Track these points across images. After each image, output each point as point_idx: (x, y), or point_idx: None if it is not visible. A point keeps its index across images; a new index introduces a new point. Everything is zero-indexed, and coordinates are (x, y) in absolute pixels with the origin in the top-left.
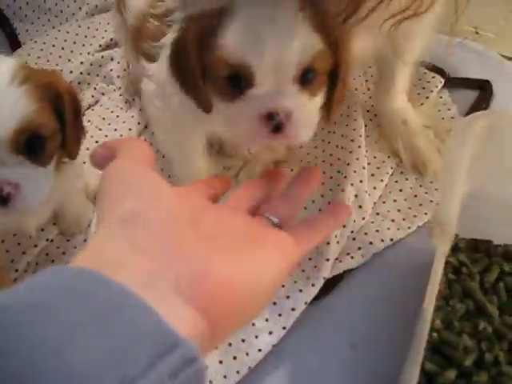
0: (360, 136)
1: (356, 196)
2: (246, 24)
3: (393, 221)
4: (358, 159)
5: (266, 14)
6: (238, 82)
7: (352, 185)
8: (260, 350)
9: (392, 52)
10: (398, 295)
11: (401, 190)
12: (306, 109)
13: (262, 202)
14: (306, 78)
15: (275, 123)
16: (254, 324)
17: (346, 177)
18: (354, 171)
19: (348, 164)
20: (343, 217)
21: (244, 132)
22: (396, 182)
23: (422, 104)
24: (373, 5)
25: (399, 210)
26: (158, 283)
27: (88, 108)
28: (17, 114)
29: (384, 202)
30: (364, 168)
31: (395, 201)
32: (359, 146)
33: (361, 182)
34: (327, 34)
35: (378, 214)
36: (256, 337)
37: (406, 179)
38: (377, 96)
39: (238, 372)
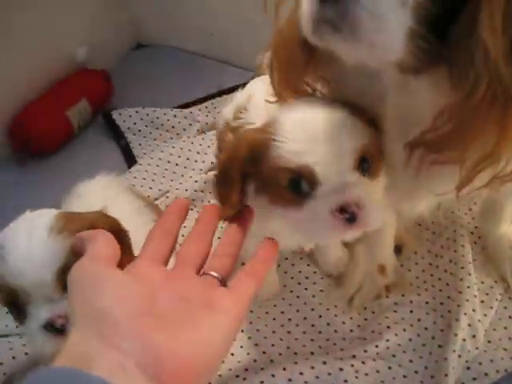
0: (469, 263)
1: (469, 325)
2: (296, 129)
3: (505, 350)
4: (469, 287)
5: (314, 114)
6: (299, 186)
7: (465, 314)
8: None
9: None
10: None
11: (510, 317)
12: (372, 194)
13: (207, 257)
14: (363, 166)
15: (348, 215)
16: None
17: (459, 305)
18: (467, 300)
19: (460, 292)
20: (273, 255)
21: (319, 231)
22: (505, 308)
23: None
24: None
25: (510, 338)
26: (130, 371)
27: None
28: (57, 260)
29: (494, 330)
30: (475, 296)
31: (506, 328)
32: (469, 274)
33: (473, 310)
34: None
35: (489, 341)
36: None
37: None
38: (483, 220)
39: None
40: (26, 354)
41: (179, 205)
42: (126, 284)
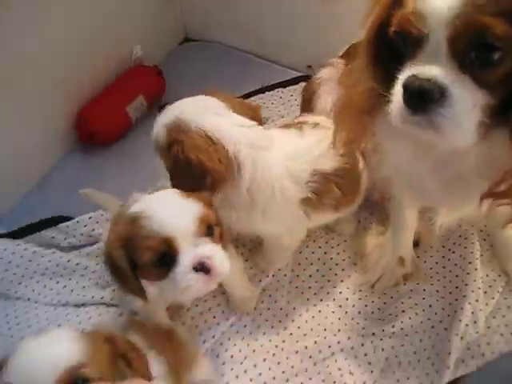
0: (476, 258)
1: (472, 313)
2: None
3: (502, 335)
4: (474, 280)
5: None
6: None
7: (469, 303)
8: None
9: None
10: None
11: (509, 307)
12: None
13: None
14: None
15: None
16: None
17: (464, 296)
18: (472, 291)
19: (466, 284)
20: None
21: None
22: (505, 299)
23: None
24: None
25: (507, 325)
26: None
27: None
28: (193, 214)
29: (494, 317)
30: (479, 288)
31: (504, 316)
32: (476, 268)
33: (476, 301)
34: None
35: (488, 327)
36: None
37: None
38: (492, 221)
39: None
40: None
41: None
42: None
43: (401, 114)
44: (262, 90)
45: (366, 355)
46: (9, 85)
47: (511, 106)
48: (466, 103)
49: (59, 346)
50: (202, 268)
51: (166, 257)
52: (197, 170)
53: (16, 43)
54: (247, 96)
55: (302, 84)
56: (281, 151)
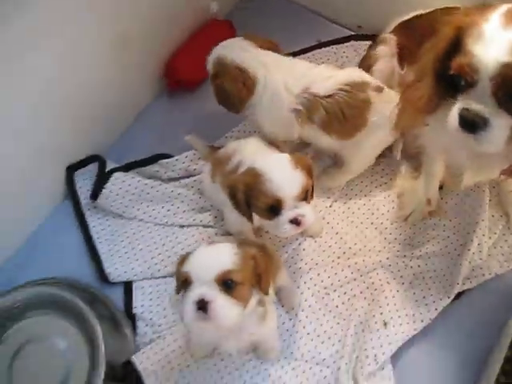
0: (486, 203)
1: (479, 244)
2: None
3: (498, 261)
4: (483, 220)
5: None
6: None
7: (477, 237)
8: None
9: None
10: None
11: (506, 241)
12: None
13: None
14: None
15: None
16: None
17: (474, 230)
18: (479, 228)
19: (476, 222)
20: None
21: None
22: (503, 234)
23: None
24: None
25: (502, 254)
26: None
27: None
28: (300, 182)
29: (494, 248)
30: (486, 226)
31: (501, 247)
32: (485, 211)
33: (483, 235)
34: None
35: (489, 255)
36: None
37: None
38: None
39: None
40: None
41: None
42: None
43: (456, 130)
44: (319, 46)
45: (399, 271)
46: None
47: None
48: (501, 129)
49: (221, 254)
50: (295, 222)
51: (274, 209)
52: (232, 90)
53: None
54: (304, 51)
55: (353, 42)
56: (285, 71)
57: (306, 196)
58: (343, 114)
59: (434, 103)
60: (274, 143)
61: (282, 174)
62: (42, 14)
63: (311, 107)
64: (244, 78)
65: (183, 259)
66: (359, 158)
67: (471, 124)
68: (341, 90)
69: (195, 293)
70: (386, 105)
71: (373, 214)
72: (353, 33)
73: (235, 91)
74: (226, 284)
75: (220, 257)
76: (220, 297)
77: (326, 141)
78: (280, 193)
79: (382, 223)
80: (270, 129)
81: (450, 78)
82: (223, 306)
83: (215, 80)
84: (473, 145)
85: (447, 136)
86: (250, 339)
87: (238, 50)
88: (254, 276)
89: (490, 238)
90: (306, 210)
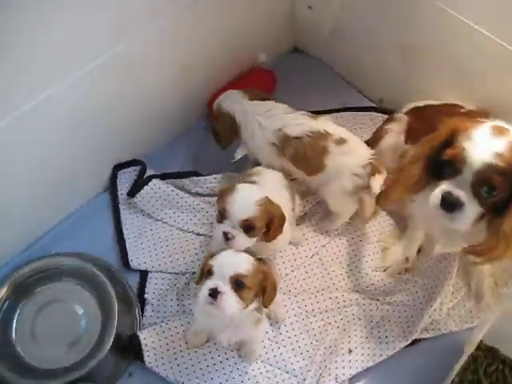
0: (454, 272)
1: (441, 303)
2: (238, 195)
3: (454, 321)
4: (448, 285)
5: None
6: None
7: (440, 297)
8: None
9: None
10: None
11: (464, 306)
12: None
13: None
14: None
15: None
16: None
17: (439, 292)
18: (444, 290)
19: (442, 285)
20: None
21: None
22: (463, 300)
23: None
24: None
25: (459, 316)
26: None
27: None
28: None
29: (454, 309)
30: (449, 290)
31: (459, 310)
32: (451, 277)
33: (445, 297)
34: None
35: (448, 315)
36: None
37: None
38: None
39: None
40: None
41: None
42: None
43: (436, 207)
44: (343, 110)
45: (370, 310)
46: (184, 69)
47: (492, 214)
48: (472, 213)
49: (241, 260)
50: (226, 235)
51: (221, 214)
52: (221, 132)
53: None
54: (330, 111)
55: (373, 113)
56: (263, 114)
57: (251, 231)
58: (306, 154)
59: (421, 184)
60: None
61: (241, 197)
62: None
63: (284, 143)
64: (232, 122)
65: (212, 255)
66: (332, 201)
67: (450, 205)
68: (307, 135)
69: (213, 282)
70: (343, 156)
71: (359, 259)
72: (374, 105)
73: (224, 133)
74: (237, 284)
75: (240, 262)
76: (230, 291)
77: (297, 174)
78: (229, 207)
79: (364, 269)
80: (259, 157)
81: (441, 163)
82: (230, 299)
83: (213, 121)
84: (447, 221)
85: (427, 211)
86: (241, 336)
87: (232, 101)
88: (260, 287)
89: (451, 300)
90: (240, 236)
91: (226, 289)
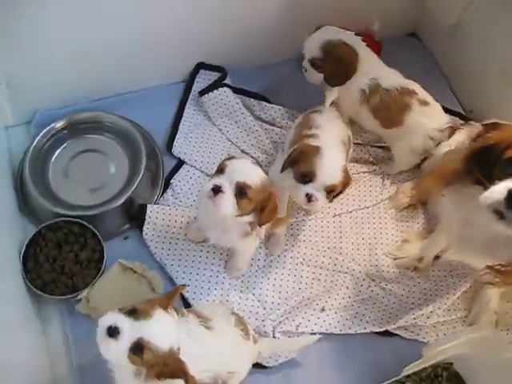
0: (460, 290)
1: (431, 312)
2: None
3: (437, 335)
4: (448, 298)
5: None
6: None
7: (433, 307)
8: None
9: None
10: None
11: (454, 327)
12: None
13: None
14: None
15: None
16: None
17: (435, 301)
18: (440, 302)
19: (441, 297)
20: None
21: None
22: (456, 322)
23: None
24: None
25: (445, 334)
26: None
27: None
28: None
29: (442, 325)
30: (446, 306)
31: (447, 328)
32: (454, 295)
33: (438, 308)
34: None
35: (434, 326)
36: None
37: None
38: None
39: None
40: None
41: None
42: None
43: (498, 202)
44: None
45: (361, 285)
46: None
47: None
48: None
49: (253, 173)
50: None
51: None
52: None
53: None
54: None
55: (456, 119)
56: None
57: (331, 195)
58: (389, 107)
59: (457, 177)
60: None
61: (330, 163)
62: None
63: (372, 92)
64: (349, 51)
65: (231, 157)
66: (398, 156)
67: None
68: (396, 89)
69: (219, 180)
70: (422, 117)
71: (375, 238)
72: (463, 113)
73: (343, 64)
74: (241, 191)
75: (251, 173)
76: (230, 194)
77: (371, 123)
78: (318, 171)
79: (376, 249)
80: (341, 101)
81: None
82: (227, 200)
83: (327, 59)
84: (500, 225)
85: (465, 209)
86: (226, 242)
87: (339, 32)
88: (261, 205)
89: (443, 316)
90: (322, 200)
91: (228, 190)
